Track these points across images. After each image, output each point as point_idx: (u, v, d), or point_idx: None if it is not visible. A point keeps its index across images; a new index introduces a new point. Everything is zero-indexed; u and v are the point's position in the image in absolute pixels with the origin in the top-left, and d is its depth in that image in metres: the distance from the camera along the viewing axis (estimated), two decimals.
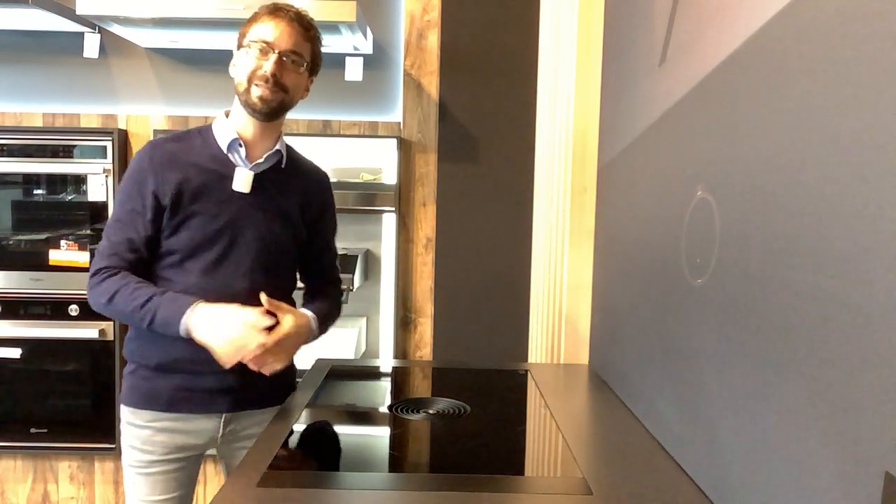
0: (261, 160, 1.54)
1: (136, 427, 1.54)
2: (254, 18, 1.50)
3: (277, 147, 1.56)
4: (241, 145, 1.52)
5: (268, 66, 1.45)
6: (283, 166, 1.59)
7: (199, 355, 1.44)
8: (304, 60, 1.51)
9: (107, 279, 1.46)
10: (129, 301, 1.43)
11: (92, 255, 2.65)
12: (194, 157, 1.51)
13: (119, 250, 1.47)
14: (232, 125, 1.54)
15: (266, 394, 1.59)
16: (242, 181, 1.51)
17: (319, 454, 1.22)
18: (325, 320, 1.61)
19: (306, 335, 1.53)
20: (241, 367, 1.46)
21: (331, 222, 1.71)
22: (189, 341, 1.42)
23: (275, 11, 1.49)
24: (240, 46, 1.51)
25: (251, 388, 1.56)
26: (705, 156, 1.05)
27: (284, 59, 1.47)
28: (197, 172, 1.49)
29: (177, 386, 1.52)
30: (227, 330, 1.38)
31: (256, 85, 1.47)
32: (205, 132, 1.56)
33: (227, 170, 1.51)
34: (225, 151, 1.53)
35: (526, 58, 2.62)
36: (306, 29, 1.51)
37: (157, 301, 1.42)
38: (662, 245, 1.24)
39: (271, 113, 1.50)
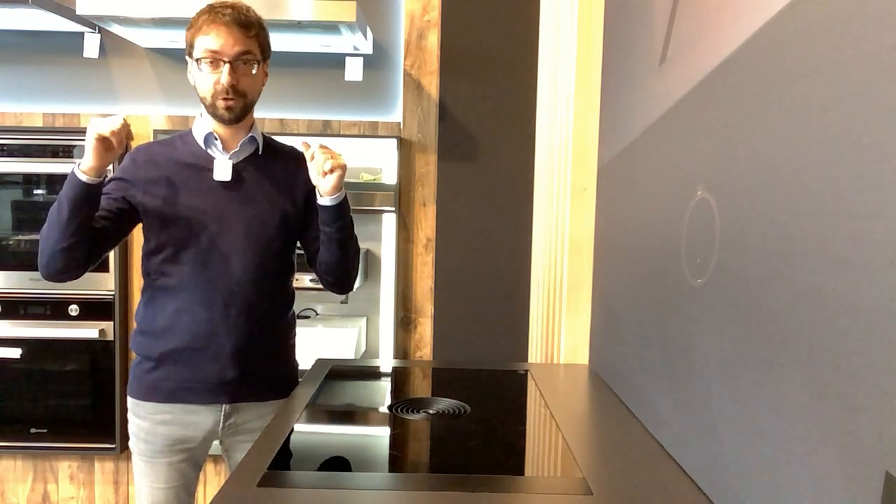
0: (237, 149, 1.61)
1: (139, 418, 1.61)
2: (194, 26, 1.52)
3: (251, 134, 1.63)
4: (216, 138, 1.60)
5: (224, 78, 1.51)
6: (259, 153, 1.64)
7: (200, 345, 1.55)
8: (255, 59, 1.56)
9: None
10: (49, 215, 1.46)
11: None
12: (176, 155, 1.60)
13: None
14: (208, 122, 1.61)
15: (266, 387, 1.65)
16: (222, 169, 1.59)
17: (319, 454, 1.22)
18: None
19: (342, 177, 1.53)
20: (241, 359, 1.57)
21: None
22: (190, 331, 1.55)
23: (212, 18, 1.50)
24: (189, 55, 1.56)
25: (251, 381, 1.62)
26: (705, 156, 1.05)
27: (234, 65, 1.52)
28: (179, 168, 1.58)
29: (178, 377, 1.58)
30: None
31: (218, 98, 1.53)
32: (185, 135, 1.66)
33: (208, 163, 1.60)
34: (203, 147, 1.61)
35: (526, 58, 2.61)
36: (247, 28, 1.53)
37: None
38: (662, 245, 1.24)
39: (237, 119, 1.58)
